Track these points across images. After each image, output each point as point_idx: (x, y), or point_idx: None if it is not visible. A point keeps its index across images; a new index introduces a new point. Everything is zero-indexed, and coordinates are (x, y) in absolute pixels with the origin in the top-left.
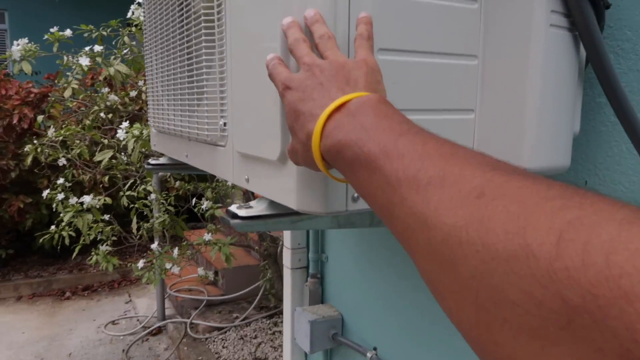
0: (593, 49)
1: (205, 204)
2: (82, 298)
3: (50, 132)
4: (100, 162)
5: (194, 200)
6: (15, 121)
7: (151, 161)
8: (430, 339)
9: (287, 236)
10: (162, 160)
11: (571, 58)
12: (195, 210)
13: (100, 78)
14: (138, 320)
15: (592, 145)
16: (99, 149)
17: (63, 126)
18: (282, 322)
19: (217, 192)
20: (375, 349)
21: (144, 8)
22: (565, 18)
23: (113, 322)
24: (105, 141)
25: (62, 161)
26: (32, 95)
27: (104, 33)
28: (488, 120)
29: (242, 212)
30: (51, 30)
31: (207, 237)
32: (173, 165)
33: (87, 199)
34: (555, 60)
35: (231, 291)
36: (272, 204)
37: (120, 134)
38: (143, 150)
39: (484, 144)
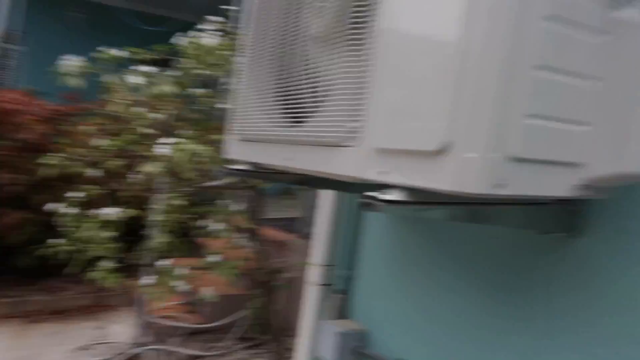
0: None
1: (211, 225)
2: (55, 321)
3: (105, 142)
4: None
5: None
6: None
7: (231, 166)
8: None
9: (316, 254)
10: (242, 167)
11: None
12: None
13: (145, 97)
14: (112, 346)
15: None
16: (138, 162)
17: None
18: (262, 353)
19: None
20: None
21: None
22: None
23: (86, 347)
24: (150, 154)
25: (95, 173)
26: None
27: (153, 56)
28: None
29: (386, 197)
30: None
31: (215, 258)
32: (254, 172)
33: (109, 210)
34: None
35: (213, 320)
36: (406, 193)
37: (164, 149)
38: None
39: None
